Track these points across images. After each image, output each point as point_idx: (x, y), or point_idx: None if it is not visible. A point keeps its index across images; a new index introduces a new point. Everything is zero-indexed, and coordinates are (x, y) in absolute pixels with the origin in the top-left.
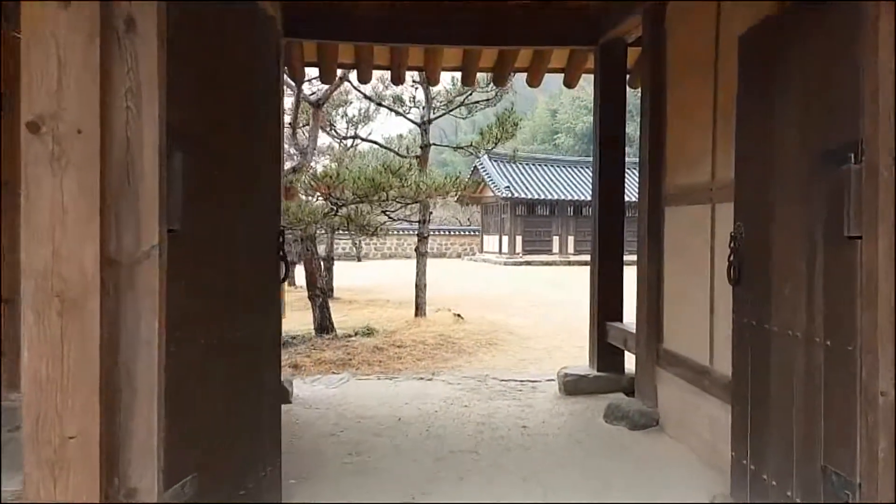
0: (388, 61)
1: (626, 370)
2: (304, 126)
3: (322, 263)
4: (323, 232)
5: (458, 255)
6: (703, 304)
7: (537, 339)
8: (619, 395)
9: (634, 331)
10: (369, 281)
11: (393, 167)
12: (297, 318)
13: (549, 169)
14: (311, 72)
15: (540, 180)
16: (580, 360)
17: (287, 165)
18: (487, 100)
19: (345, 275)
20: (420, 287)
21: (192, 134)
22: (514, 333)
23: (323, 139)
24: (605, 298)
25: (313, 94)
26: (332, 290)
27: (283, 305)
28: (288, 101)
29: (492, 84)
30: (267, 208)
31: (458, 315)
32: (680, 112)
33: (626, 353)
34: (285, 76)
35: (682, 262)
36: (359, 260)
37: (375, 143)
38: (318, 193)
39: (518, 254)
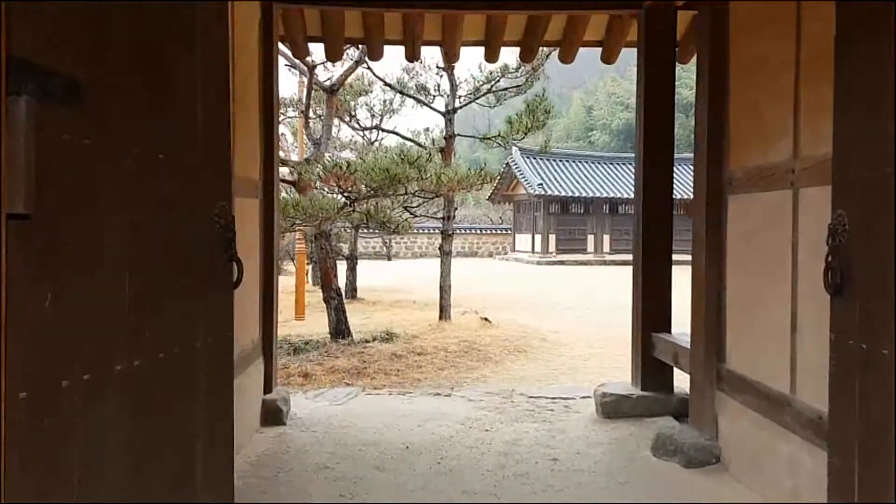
0: (400, 35)
1: (675, 389)
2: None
3: (345, 263)
4: (345, 229)
5: (490, 255)
6: (782, 317)
7: (571, 345)
8: (669, 421)
9: (687, 345)
10: (396, 280)
11: (410, 157)
12: (316, 320)
13: (583, 165)
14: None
15: (574, 177)
16: (619, 370)
17: (300, 157)
18: (517, 86)
19: (373, 274)
20: (444, 289)
21: (56, 75)
22: (545, 339)
23: (346, 132)
24: (650, 305)
25: (328, 79)
26: (355, 290)
27: (304, 307)
28: (290, 86)
29: (521, 68)
30: (201, 194)
31: (486, 319)
32: (747, 76)
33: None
34: (286, 50)
35: (752, 262)
36: (389, 259)
37: (397, 133)
38: (334, 187)
39: (551, 253)
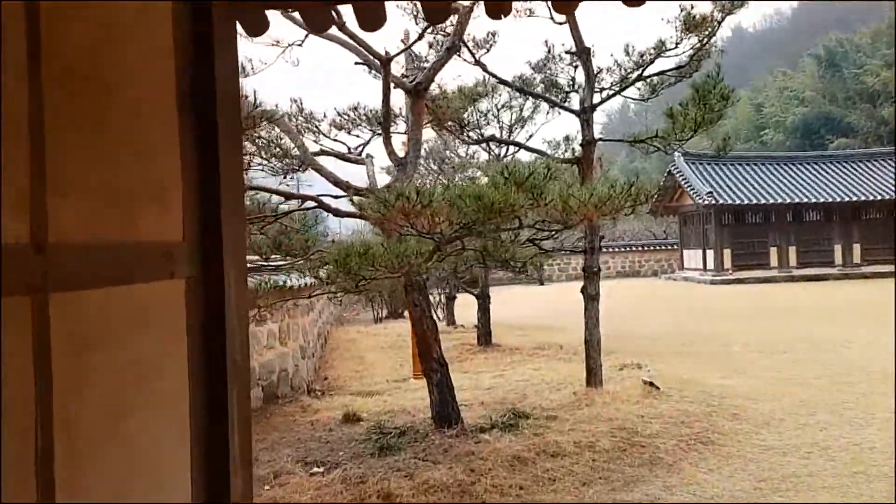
0: None
1: None
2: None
3: (478, 303)
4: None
5: (654, 273)
6: None
7: (776, 424)
8: None
9: None
10: (545, 311)
11: (519, 177)
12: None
13: (758, 168)
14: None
15: (748, 183)
16: (861, 478)
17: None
18: (679, 68)
19: (520, 304)
20: (591, 345)
21: None
22: (738, 416)
23: (470, 150)
24: None
25: (412, 77)
26: (489, 334)
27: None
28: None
29: (684, 41)
30: None
31: (651, 383)
32: None
33: None
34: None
35: None
36: (541, 283)
37: (519, 145)
38: (405, 225)
39: (727, 270)
